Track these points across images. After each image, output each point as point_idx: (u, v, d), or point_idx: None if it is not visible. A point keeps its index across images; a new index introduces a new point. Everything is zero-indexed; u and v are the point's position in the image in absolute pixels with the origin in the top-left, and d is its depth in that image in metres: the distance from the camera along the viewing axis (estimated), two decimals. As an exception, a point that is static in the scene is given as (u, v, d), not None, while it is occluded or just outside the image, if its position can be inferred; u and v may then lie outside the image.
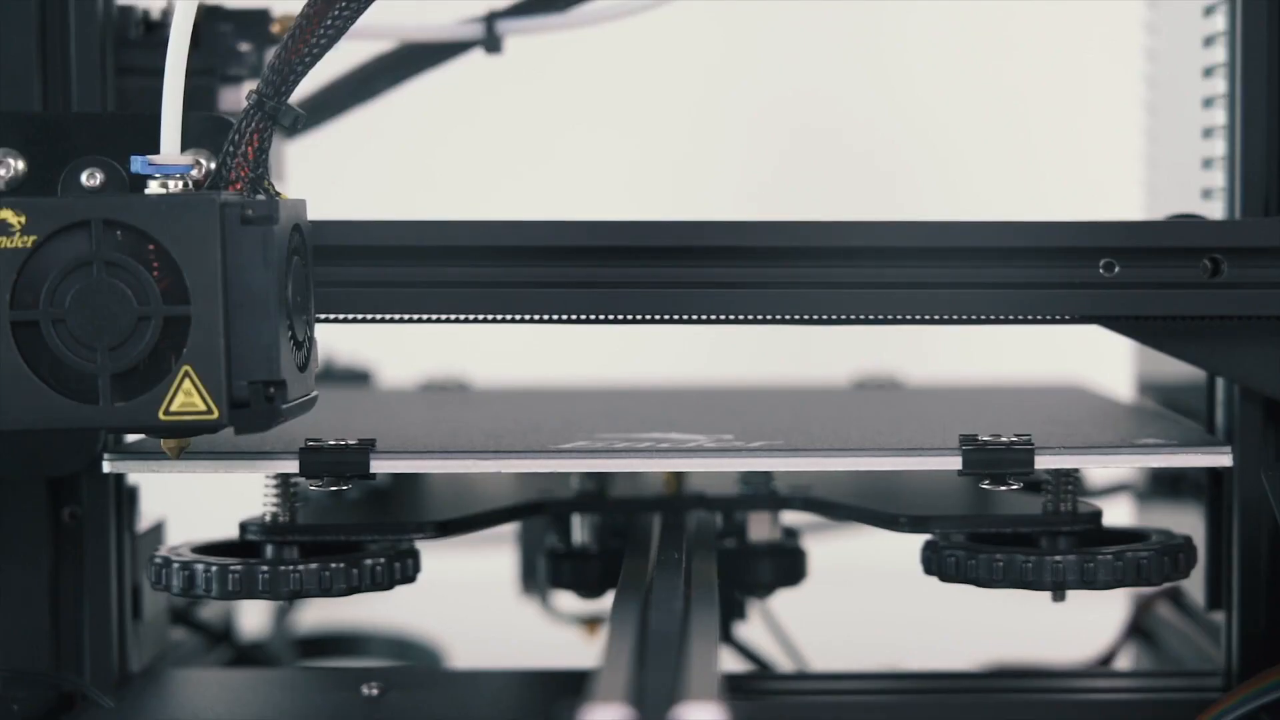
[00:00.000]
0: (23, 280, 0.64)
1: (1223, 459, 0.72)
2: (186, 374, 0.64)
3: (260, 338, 0.63)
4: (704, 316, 0.72)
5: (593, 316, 0.72)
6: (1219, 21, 0.78)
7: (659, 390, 1.00)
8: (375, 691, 0.76)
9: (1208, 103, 0.79)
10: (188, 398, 0.64)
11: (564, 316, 0.72)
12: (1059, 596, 0.73)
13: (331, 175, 1.02)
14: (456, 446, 0.71)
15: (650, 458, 0.71)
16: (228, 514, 0.76)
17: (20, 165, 0.69)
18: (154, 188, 0.65)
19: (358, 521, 0.75)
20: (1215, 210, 0.77)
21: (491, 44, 0.86)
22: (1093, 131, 1.41)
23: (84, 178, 0.68)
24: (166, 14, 0.78)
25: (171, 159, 0.65)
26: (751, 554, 0.82)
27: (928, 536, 0.75)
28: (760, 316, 0.71)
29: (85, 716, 0.75)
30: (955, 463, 0.69)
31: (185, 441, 0.68)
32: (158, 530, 0.82)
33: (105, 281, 0.64)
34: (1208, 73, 0.79)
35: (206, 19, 0.78)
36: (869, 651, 0.90)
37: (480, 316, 0.72)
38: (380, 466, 0.69)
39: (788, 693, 0.82)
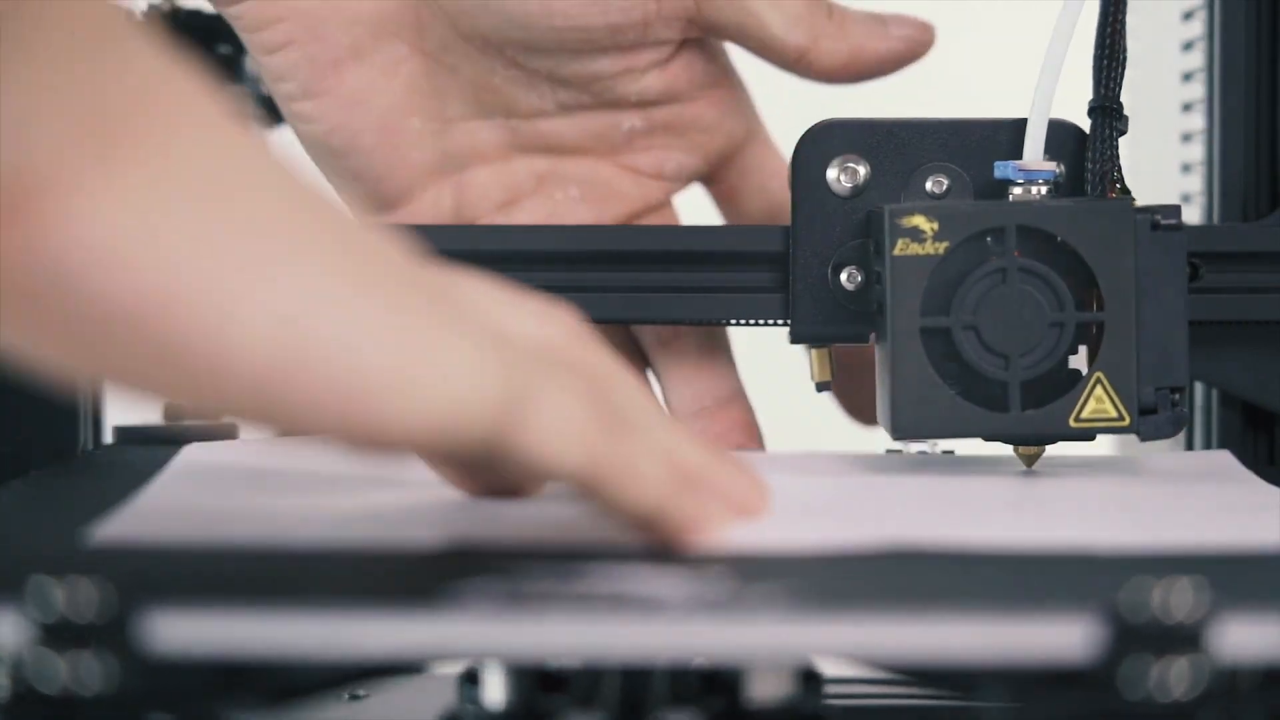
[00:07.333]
0: (931, 286, 0.64)
1: None
2: (1099, 381, 0.64)
3: (1169, 345, 0.64)
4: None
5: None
6: (1197, 26, 0.78)
7: None
8: (360, 695, 0.76)
9: (1186, 107, 0.79)
10: (1099, 404, 0.64)
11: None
12: None
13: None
14: (296, 588, 0.48)
15: (589, 623, 0.47)
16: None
17: (863, 171, 0.68)
18: (1017, 193, 0.65)
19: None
20: (1193, 215, 0.77)
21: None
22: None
23: (929, 184, 0.68)
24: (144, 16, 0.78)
25: (1037, 164, 0.66)
26: None
27: None
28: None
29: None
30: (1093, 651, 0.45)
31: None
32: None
33: (1019, 288, 0.64)
34: (1186, 77, 0.79)
35: (182, 21, 0.78)
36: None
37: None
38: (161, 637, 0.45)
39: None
